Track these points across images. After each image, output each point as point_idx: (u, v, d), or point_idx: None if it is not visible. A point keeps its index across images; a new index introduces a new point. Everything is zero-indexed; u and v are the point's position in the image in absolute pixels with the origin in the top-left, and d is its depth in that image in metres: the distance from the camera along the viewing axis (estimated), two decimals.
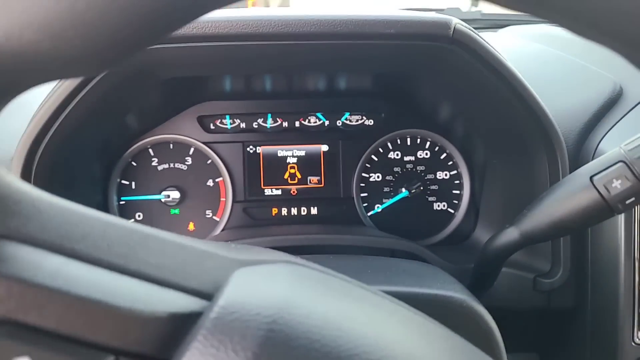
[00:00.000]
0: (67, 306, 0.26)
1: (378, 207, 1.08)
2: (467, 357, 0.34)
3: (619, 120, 0.82)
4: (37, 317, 0.25)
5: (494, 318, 0.56)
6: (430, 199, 1.08)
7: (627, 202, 0.55)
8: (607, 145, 0.80)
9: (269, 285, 0.30)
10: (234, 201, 1.05)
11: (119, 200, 1.03)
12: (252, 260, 0.34)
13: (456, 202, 1.08)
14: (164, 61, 0.75)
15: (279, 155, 1.07)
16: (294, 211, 1.07)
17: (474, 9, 1.69)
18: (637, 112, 0.82)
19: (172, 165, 1.04)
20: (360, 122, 1.08)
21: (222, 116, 1.06)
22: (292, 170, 1.07)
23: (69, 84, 0.73)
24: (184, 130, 1.04)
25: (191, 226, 1.05)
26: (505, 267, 0.77)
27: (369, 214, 1.08)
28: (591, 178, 0.57)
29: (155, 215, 1.04)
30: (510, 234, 0.65)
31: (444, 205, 1.08)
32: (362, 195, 1.08)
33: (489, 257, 0.69)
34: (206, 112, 1.05)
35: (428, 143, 1.08)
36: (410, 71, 0.87)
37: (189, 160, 1.05)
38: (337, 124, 1.08)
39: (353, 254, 0.92)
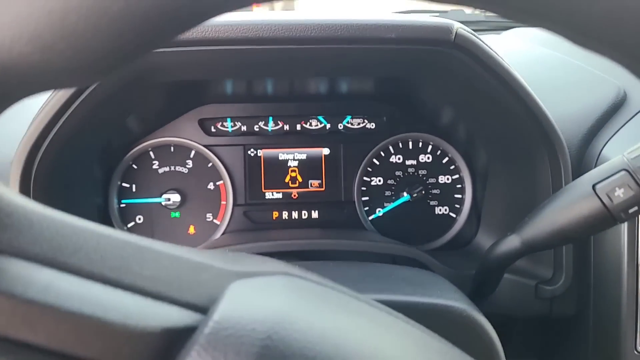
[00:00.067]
0: (58, 322, 0.25)
1: (379, 211, 1.08)
2: None
3: (622, 126, 0.81)
4: (28, 333, 0.25)
5: (496, 325, 0.56)
6: (432, 203, 1.08)
7: (630, 211, 0.55)
8: (611, 151, 0.79)
9: (265, 299, 0.30)
10: (234, 204, 1.05)
11: (120, 203, 1.03)
12: (248, 271, 0.33)
13: (458, 206, 1.08)
14: (165, 65, 0.75)
15: (280, 158, 1.07)
16: (294, 215, 1.07)
17: (477, 11, 1.69)
18: None
19: (172, 168, 1.04)
20: (361, 125, 1.08)
21: (223, 119, 1.05)
22: (293, 174, 1.07)
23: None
24: (185, 133, 1.04)
25: (191, 229, 1.05)
26: (507, 273, 0.77)
27: (370, 218, 1.08)
28: (594, 186, 0.57)
29: (156, 219, 1.04)
30: (512, 242, 0.65)
31: (445, 210, 1.08)
32: (364, 199, 1.08)
33: (490, 265, 0.69)
34: (207, 115, 1.04)
35: (430, 147, 1.08)
36: (411, 75, 0.87)
37: (190, 163, 1.05)
38: (339, 127, 1.07)
39: (354, 259, 0.91)
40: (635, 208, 0.55)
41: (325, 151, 1.07)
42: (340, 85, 0.98)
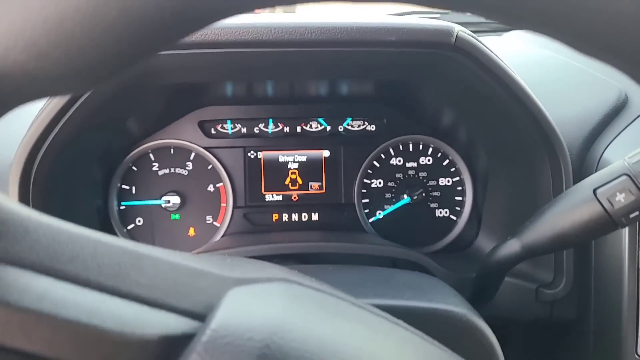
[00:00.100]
0: (55, 330, 0.25)
1: (379, 213, 1.07)
2: None
3: (624, 129, 0.81)
4: (24, 341, 0.25)
5: (496, 328, 0.55)
6: (432, 205, 1.07)
7: (631, 216, 0.54)
8: (612, 155, 0.79)
9: (263, 306, 0.30)
10: (234, 207, 1.05)
11: (120, 205, 1.03)
12: (246, 278, 0.33)
13: (458, 208, 1.07)
14: (165, 68, 0.74)
15: (280, 160, 1.06)
16: (294, 217, 1.07)
17: None
18: None
19: (172, 170, 1.04)
20: (362, 127, 1.08)
21: (223, 121, 1.05)
22: (293, 176, 1.07)
23: None
24: (185, 135, 1.04)
25: (191, 232, 1.05)
26: (507, 277, 0.77)
27: (370, 220, 1.07)
28: (594, 191, 0.56)
29: (156, 221, 1.04)
30: (512, 246, 0.64)
31: (446, 212, 1.08)
32: (364, 201, 1.07)
33: (491, 269, 0.69)
34: (207, 117, 1.04)
35: (430, 149, 1.07)
36: (412, 78, 0.86)
37: (190, 166, 1.04)
38: (339, 129, 1.07)
39: (354, 262, 0.91)
40: (636, 213, 0.54)
41: (326, 153, 1.07)
42: (340, 88, 0.97)
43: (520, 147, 0.85)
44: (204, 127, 1.05)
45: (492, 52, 0.73)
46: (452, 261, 0.93)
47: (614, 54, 0.24)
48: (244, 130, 1.06)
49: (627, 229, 0.74)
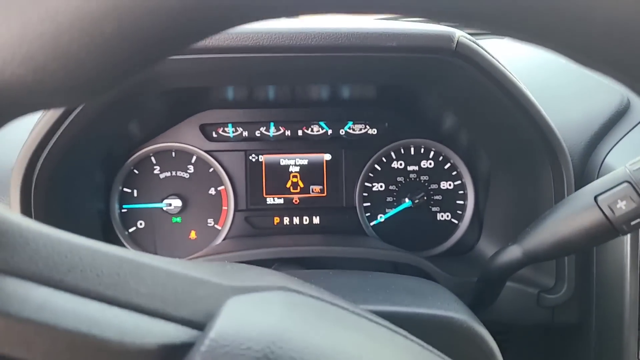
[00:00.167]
0: (54, 340, 0.25)
1: (381, 217, 1.07)
2: None
3: (626, 134, 0.81)
4: (24, 351, 0.25)
5: (497, 333, 0.55)
6: (434, 209, 1.07)
7: (632, 223, 0.54)
8: (614, 160, 0.79)
9: (262, 316, 0.30)
10: (235, 210, 1.05)
11: (121, 208, 1.03)
12: (245, 287, 0.33)
13: (460, 212, 1.07)
14: (166, 73, 0.75)
15: (281, 164, 1.07)
16: (295, 220, 1.07)
17: None
18: None
19: (174, 173, 1.04)
20: (363, 131, 1.08)
21: (225, 124, 1.05)
22: (295, 179, 1.07)
23: None
24: (186, 139, 1.04)
25: (193, 235, 1.05)
26: (508, 281, 0.76)
27: (372, 223, 1.07)
28: (595, 198, 0.56)
29: (157, 224, 1.04)
30: (513, 252, 0.64)
31: (447, 216, 1.07)
32: (365, 205, 1.07)
33: (492, 275, 0.68)
34: (208, 121, 1.04)
35: (432, 153, 1.07)
36: (413, 82, 0.86)
37: (191, 169, 1.05)
38: (340, 133, 1.07)
39: (355, 266, 0.91)
40: (638, 220, 0.54)
41: (327, 157, 1.07)
42: (341, 92, 0.97)
43: (521, 151, 0.85)
44: (206, 130, 1.05)
45: (493, 57, 0.73)
46: (453, 265, 0.93)
47: (614, 67, 0.24)
48: (245, 133, 1.06)
49: (628, 235, 0.74)
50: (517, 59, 1.08)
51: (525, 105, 0.74)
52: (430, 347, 0.36)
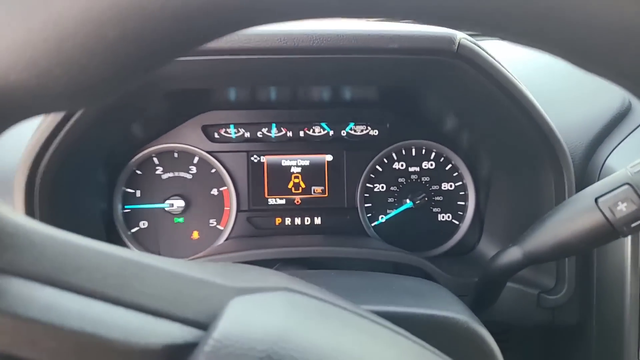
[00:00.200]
0: (60, 340, 0.26)
1: (382, 217, 1.08)
2: None
3: (627, 136, 0.81)
4: (31, 351, 0.25)
5: (497, 333, 0.55)
6: (435, 210, 1.08)
7: (633, 225, 0.55)
8: (615, 162, 0.79)
9: (265, 316, 0.30)
10: (237, 210, 1.06)
11: (124, 208, 1.04)
12: (248, 287, 0.34)
13: (461, 213, 1.07)
14: (168, 74, 0.75)
15: (283, 164, 1.07)
16: (297, 221, 1.07)
17: None
18: None
19: (176, 174, 1.05)
20: (364, 132, 1.08)
21: (227, 125, 1.06)
22: (296, 180, 1.07)
23: None
24: (189, 140, 1.04)
25: (195, 235, 1.05)
26: (509, 282, 0.77)
27: (373, 224, 1.08)
28: (596, 200, 0.56)
29: (160, 224, 1.04)
30: (514, 254, 0.65)
31: (448, 217, 1.08)
32: (366, 205, 1.08)
33: (492, 276, 0.69)
34: (211, 122, 1.05)
35: (433, 154, 1.08)
36: (414, 84, 0.87)
37: (194, 169, 1.05)
38: (342, 134, 1.08)
39: (356, 266, 0.91)
40: (638, 222, 0.54)
41: (328, 158, 1.07)
42: (343, 93, 0.98)
43: (522, 153, 0.85)
44: (208, 131, 1.05)
45: (494, 59, 0.73)
46: (454, 266, 0.94)
47: (614, 71, 0.24)
48: (247, 134, 1.06)
49: (629, 236, 0.74)
50: (518, 60, 1.09)
51: (527, 107, 0.75)
52: (432, 348, 0.37)
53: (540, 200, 0.84)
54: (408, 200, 1.06)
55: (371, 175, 1.07)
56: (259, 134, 1.07)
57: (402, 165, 1.08)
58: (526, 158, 0.84)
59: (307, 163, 1.07)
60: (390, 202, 1.08)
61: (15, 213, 0.27)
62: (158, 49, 0.22)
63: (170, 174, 1.05)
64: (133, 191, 1.04)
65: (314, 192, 1.07)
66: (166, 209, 1.03)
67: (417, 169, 1.07)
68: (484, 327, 0.54)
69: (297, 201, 1.07)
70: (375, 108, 1.06)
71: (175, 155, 1.05)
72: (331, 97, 1.00)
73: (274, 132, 1.07)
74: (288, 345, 0.27)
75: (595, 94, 0.92)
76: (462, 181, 1.07)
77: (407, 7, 0.22)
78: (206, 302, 0.30)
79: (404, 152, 1.08)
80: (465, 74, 0.72)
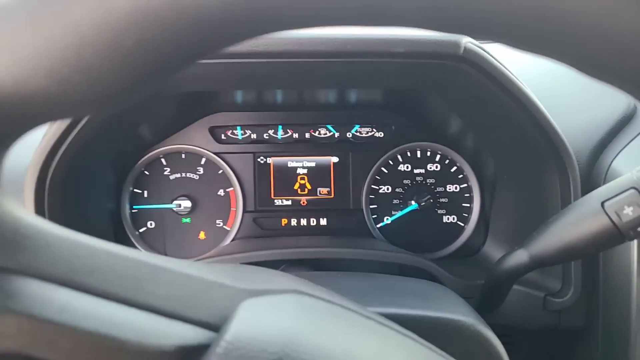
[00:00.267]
0: (76, 341, 0.26)
1: (387, 219, 1.08)
2: None
3: (633, 139, 0.81)
4: (48, 351, 0.26)
5: (503, 336, 0.56)
6: (440, 211, 1.08)
7: (639, 229, 0.55)
8: (620, 165, 0.79)
9: (276, 318, 0.30)
10: (244, 211, 1.06)
11: (132, 208, 1.05)
12: (259, 289, 0.34)
13: (466, 215, 1.08)
14: (176, 77, 0.76)
15: (289, 166, 1.08)
16: (303, 222, 1.08)
17: None
18: None
19: (183, 174, 1.06)
20: (370, 134, 1.08)
21: (234, 127, 1.06)
22: (302, 181, 1.08)
23: None
24: (196, 141, 1.05)
25: (202, 235, 1.06)
26: (515, 285, 0.77)
27: (378, 225, 1.08)
28: (602, 204, 0.56)
29: (167, 224, 1.05)
30: (520, 257, 0.65)
31: (453, 219, 1.08)
32: (372, 207, 1.08)
33: (498, 279, 0.69)
34: (218, 123, 1.06)
35: (438, 156, 1.08)
36: (420, 87, 0.87)
37: (201, 170, 1.06)
38: (347, 135, 1.08)
39: (361, 267, 0.92)
40: None
41: (334, 159, 1.08)
42: (349, 95, 0.98)
43: (528, 156, 0.85)
44: (215, 132, 1.06)
45: (499, 62, 0.73)
46: (459, 268, 0.94)
47: (619, 77, 0.24)
48: (253, 136, 1.07)
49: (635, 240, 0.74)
50: (523, 64, 1.09)
51: (532, 110, 0.75)
52: (439, 350, 0.37)
53: (546, 203, 0.84)
54: (413, 202, 1.06)
55: (376, 176, 1.08)
56: (265, 136, 1.07)
57: (407, 167, 1.08)
58: (531, 161, 0.85)
59: (313, 164, 1.08)
60: (396, 203, 1.08)
61: (30, 215, 0.28)
62: (175, 55, 0.23)
63: (178, 175, 1.05)
64: (141, 192, 1.05)
65: (320, 193, 1.08)
66: (173, 209, 1.04)
67: (422, 170, 1.08)
68: (490, 329, 0.55)
69: (303, 202, 1.08)
70: (381, 110, 1.06)
71: (183, 156, 1.06)
72: (337, 99, 1.01)
73: (280, 134, 1.07)
74: (299, 347, 0.28)
75: (600, 98, 0.92)
76: (467, 183, 1.07)
77: (414, 17, 0.22)
78: (218, 304, 0.31)
79: (409, 154, 1.08)
80: (471, 78, 0.73)
